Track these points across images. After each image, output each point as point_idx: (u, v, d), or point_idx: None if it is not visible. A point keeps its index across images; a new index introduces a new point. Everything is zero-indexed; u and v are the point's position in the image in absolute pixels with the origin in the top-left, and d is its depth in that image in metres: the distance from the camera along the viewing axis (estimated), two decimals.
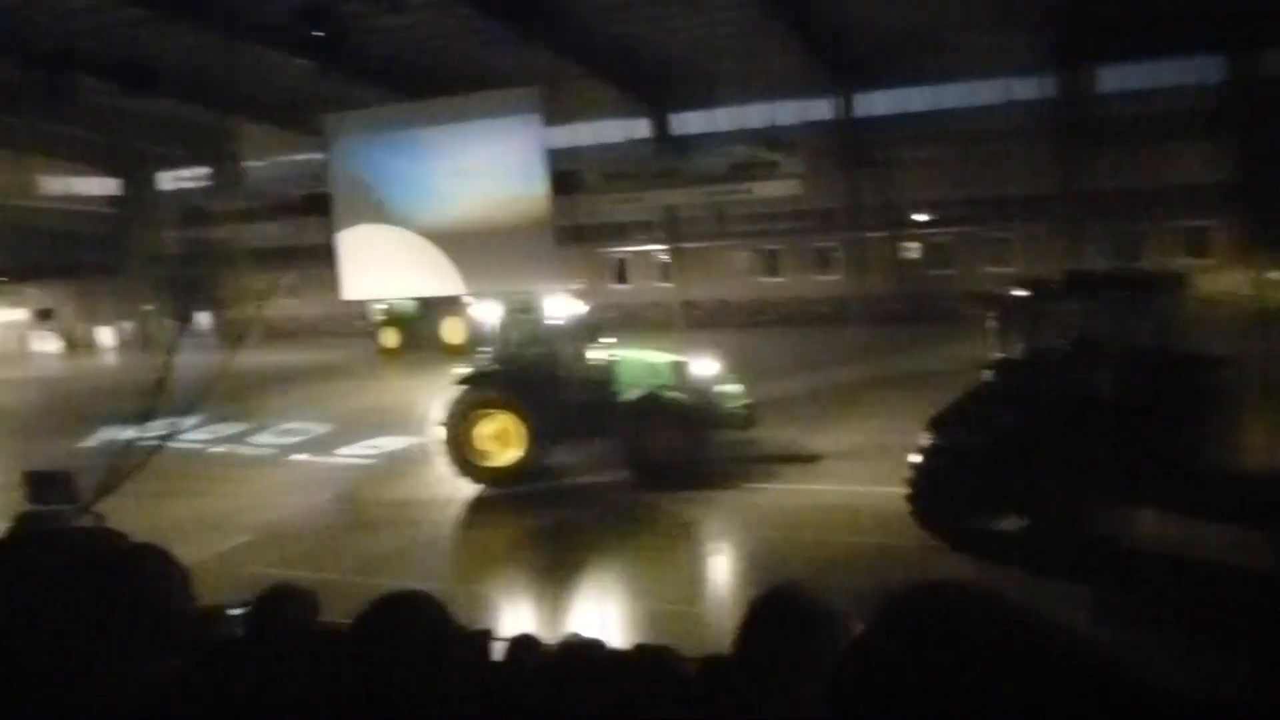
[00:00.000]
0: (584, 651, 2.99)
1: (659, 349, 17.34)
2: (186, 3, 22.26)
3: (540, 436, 15.46)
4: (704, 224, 37.26)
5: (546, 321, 16.51)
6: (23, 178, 42.31)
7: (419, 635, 2.39)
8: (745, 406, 16.12)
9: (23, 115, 31.06)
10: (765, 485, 14.83)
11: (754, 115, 33.95)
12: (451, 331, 34.11)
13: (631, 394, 15.60)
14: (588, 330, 16.73)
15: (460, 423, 15.55)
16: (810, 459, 15.93)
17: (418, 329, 34.74)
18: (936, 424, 11.46)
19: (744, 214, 36.40)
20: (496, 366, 16.14)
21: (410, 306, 35.47)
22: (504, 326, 16.55)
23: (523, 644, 4.47)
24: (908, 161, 34.39)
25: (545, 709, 3.00)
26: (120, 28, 22.79)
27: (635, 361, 16.44)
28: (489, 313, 16.97)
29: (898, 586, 0.92)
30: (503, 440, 15.61)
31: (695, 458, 15.10)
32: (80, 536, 1.22)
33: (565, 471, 16.13)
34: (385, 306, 36.32)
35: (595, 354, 16.42)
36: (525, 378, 15.71)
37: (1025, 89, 32.28)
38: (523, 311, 16.82)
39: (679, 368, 16.25)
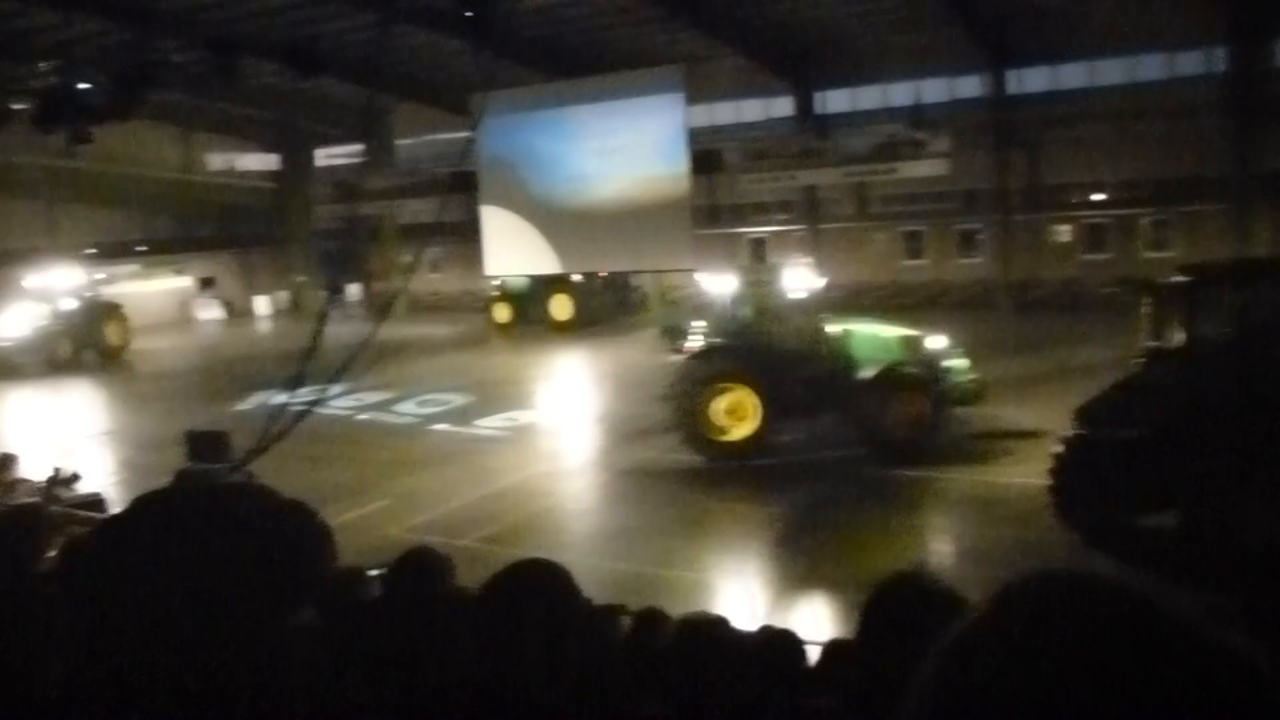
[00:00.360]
0: (707, 629, 3.00)
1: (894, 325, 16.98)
2: None
3: (775, 411, 15.36)
4: (845, 204, 36.66)
5: (782, 295, 16.33)
6: (190, 153, 44.46)
7: (545, 604, 2.43)
8: (974, 381, 15.93)
9: (191, 94, 32.56)
10: (1005, 469, 14.34)
11: (900, 93, 33.15)
12: (559, 308, 34.72)
13: (868, 369, 15.40)
14: (819, 304, 16.58)
15: (695, 396, 15.39)
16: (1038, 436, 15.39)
17: (527, 305, 35.32)
18: (1084, 415, 11.06)
19: (886, 194, 35.67)
20: (729, 340, 15.98)
21: (521, 284, 36.10)
22: (737, 299, 16.38)
23: (649, 619, 4.52)
24: (1061, 141, 33.10)
25: (666, 683, 3.03)
26: (284, 10, 23.64)
27: (866, 336, 16.21)
28: (719, 284, 16.85)
29: (1018, 573, 0.88)
30: (737, 415, 15.48)
31: (932, 433, 14.96)
32: (233, 491, 1.29)
33: (785, 447, 15.84)
34: (498, 283, 37.03)
35: (827, 328, 16.23)
36: (760, 351, 15.61)
37: (1190, 63, 30.62)
38: (759, 284, 16.67)
39: (911, 342, 16.07)
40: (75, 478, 12.47)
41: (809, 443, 15.78)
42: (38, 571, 3.42)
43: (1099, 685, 0.75)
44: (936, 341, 16.17)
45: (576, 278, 35.02)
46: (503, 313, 35.98)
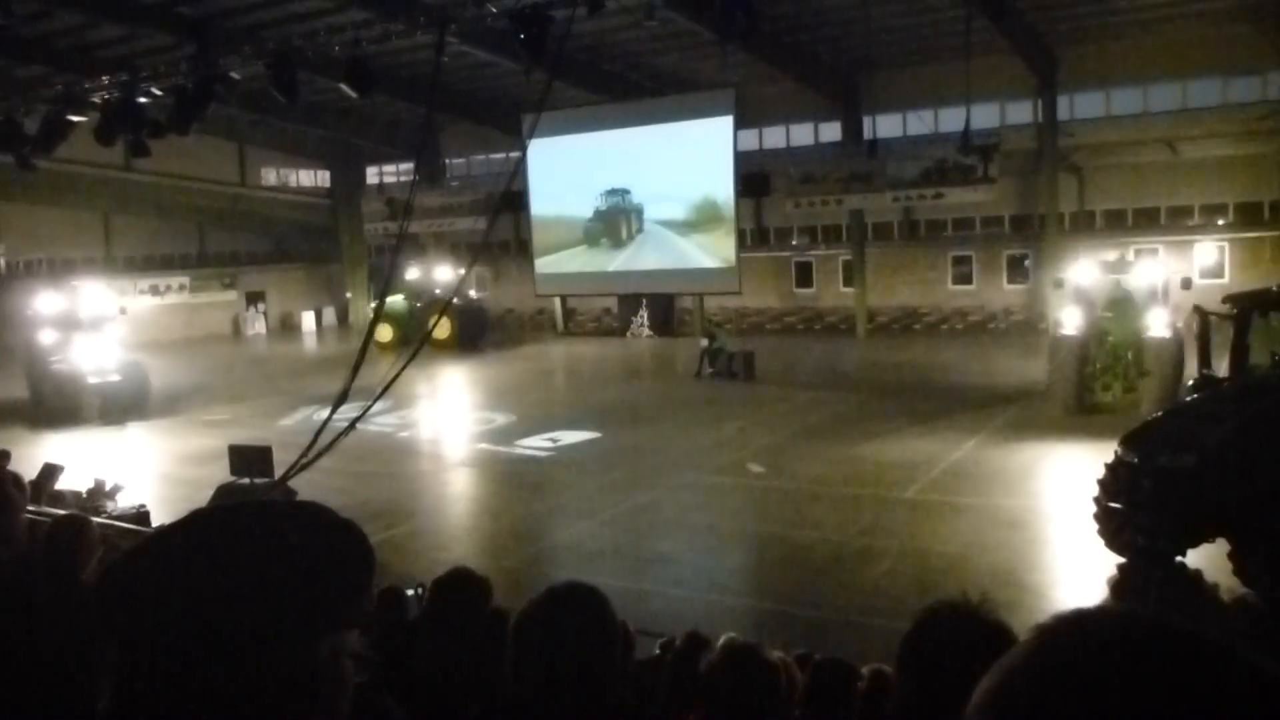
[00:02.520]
0: (751, 654, 2.98)
1: None
2: (404, 5, 23.40)
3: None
4: (893, 229, 36.53)
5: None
6: (244, 168, 45.21)
7: (584, 626, 2.43)
8: None
9: (248, 110, 33.13)
10: None
11: (950, 118, 32.97)
12: (439, 328, 34.38)
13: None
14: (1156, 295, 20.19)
15: (1080, 369, 19.24)
16: None
17: (407, 325, 34.69)
18: (1132, 440, 10.87)
19: (935, 219, 35.51)
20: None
21: (400, 305, 35.61)
22: (1103, 299, 20.20)
23: (690, 642, 4.49)
24: (1113, 166, 32.82)
25: (710, 709, 3.01)
26: (343, 28, 24.02)
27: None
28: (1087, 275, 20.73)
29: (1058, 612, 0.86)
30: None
31: None
32: (281, 508, 1.28)
33: None
34: (375, 304, 36.57)
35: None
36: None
37: (1245, 89, 30.25)
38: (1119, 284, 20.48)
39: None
40: (118, 489, 12.57)
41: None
42: (84, 583, 3.46)
43: None
44: None
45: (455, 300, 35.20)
46: (385, 333, 35.32)
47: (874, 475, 15.77)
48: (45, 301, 25.06)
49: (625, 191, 34.66)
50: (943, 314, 35.43)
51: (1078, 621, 0.83)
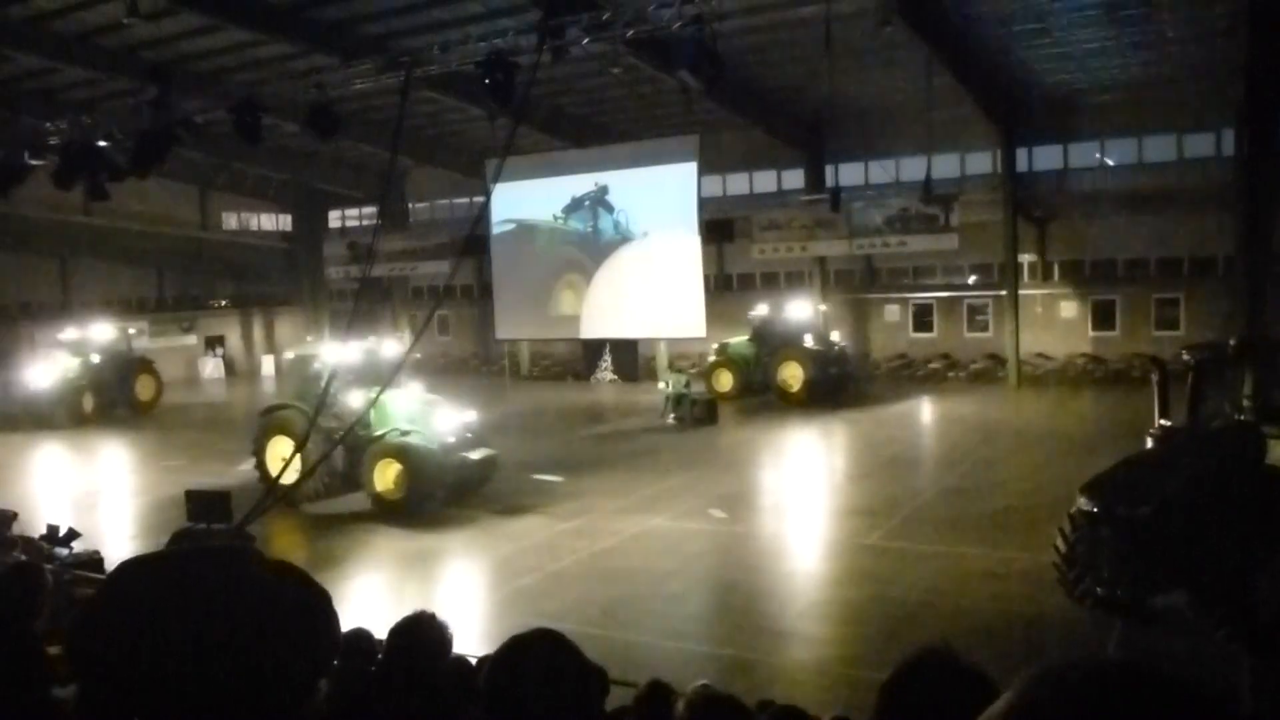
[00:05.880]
0: (716, 705, 2.95)
1: None
2: (370, 50, 23.47)
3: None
4: (855, 276, 36.86)
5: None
6: (206, 211, 44.93)
7: (553, 674, 2.40)
8: None
9: (211, 154, 32.99)
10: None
11: (912, 168, 33.45)
12: (144, 389, 33.04)
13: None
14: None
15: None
16: None
17: (102, 389, 31.97)
18: (1091, 490, 10.96)
19: (897, 267, 35.89)
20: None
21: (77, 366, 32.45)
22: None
23: (656, 691, 4.45)
24: (1071, 218, 33.37)
25: None
26: (307, 73, 24.08)
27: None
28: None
29: (1049, 661, 0.85)
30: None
31: None
32: (230, 554, 1.25)
33: None
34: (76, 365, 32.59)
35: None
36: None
37: (1200, 145, 31.02)
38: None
39: None
40: (73, 535, 12.36)
41: None
42: (36, 630, 3.38)
43: None
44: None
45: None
46: (88, 401, 31.58)
47: (835, 521, 15.79)
48: (340, 352, 18.67)
49: (592, 240, 34.56)
50: (905, 360, 35.67)
51: (1063, 672, 0.82)
